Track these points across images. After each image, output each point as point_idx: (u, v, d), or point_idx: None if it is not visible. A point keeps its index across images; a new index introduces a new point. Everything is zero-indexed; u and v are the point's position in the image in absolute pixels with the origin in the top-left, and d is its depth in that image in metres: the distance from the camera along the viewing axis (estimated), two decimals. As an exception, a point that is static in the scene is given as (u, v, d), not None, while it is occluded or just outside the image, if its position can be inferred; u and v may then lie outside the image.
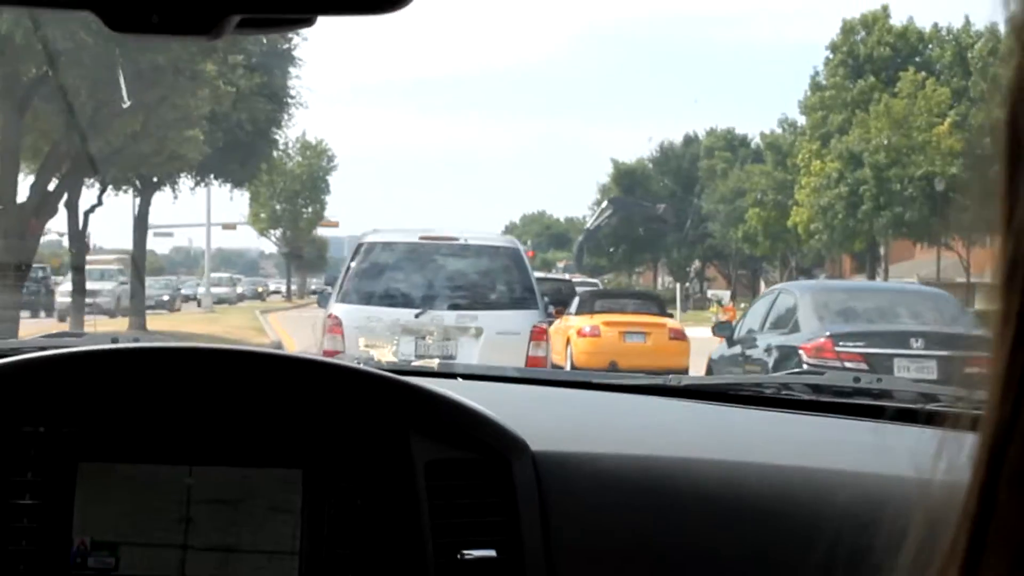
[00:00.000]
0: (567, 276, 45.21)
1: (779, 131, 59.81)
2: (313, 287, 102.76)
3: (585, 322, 21.22)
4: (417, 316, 11.45)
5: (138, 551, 1.75)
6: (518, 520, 1.72)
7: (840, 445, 1.97)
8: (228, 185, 36.09)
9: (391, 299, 11.59)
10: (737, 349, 13.95)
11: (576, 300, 23.12)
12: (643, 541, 1.74)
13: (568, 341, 21.18)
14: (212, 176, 34.38)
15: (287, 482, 1.75)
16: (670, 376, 2.43)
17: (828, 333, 12.47)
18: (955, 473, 0.53)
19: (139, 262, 31.56)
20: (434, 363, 2.50)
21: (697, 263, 79.98)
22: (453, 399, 1.76)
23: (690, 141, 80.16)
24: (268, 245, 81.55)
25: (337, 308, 11.45)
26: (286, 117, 34.16)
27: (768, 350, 13.15)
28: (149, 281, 41.54)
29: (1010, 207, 0.52)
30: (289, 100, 33.14)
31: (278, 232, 74.95)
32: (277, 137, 35.03)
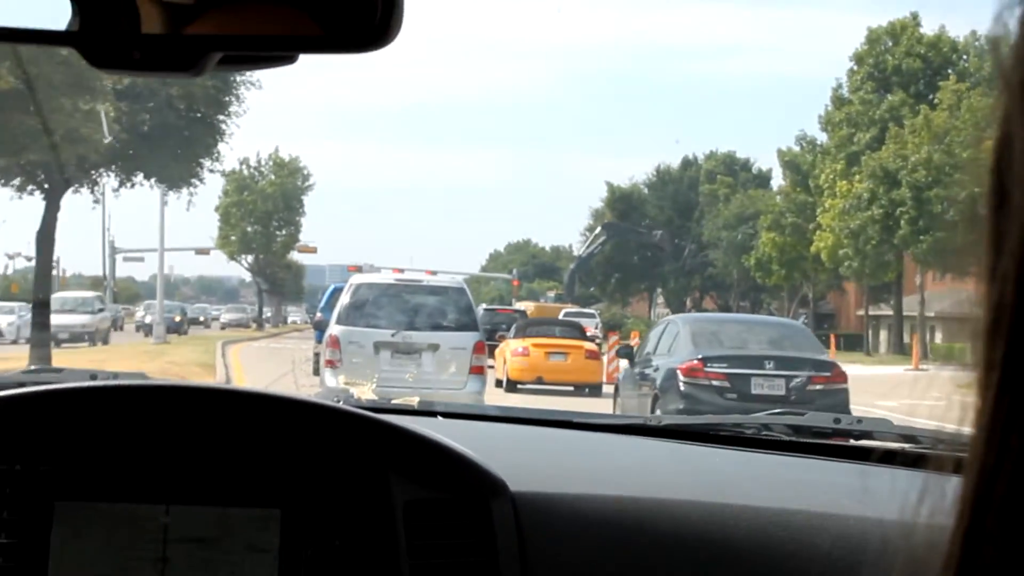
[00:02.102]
0: (523, 308, 47.97)
1: (796, 148, 51.86)
2: (292, 317, 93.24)
3: (519, 344, 25.37)
4: (392, 336, 15.37)
5: None
6: (497, 561, 1.69)
7: (820, 486, 1.92)
8: (162, 187, 27.35)
9: (374, 323, 15.53)
10: (637, 369, 16.05)
11: (514, 326, 27.69)
12: None
13: (505, 360, 25.42)
14: (139, 173, 25.66)
15: (265, 521, 1.72)
16: (650, 416, 2.60)
17: (700, 356, 14.69)
18: (938, 517, 0.52)
19: (44, 283, 23.14)
20: (414, 401, 2.38)
21: (696, 293, 72.38)
22: (432, 439, 1.74)
23: (688, 164, 72.65)
24: (244, 272, 72.71)
25: (335, 329, 15.41)
26: (234, 99, 25.64)
27: (656, 370, 15.18)
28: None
29: (995, 254, 0.51)
30: (236, 77, 24.68)
31: (250, 258, 66.20)
32: (223, 125, 26.38)
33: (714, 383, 14.50)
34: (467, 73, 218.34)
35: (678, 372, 14.61)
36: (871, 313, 57.85)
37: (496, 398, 22.08)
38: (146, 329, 54.46)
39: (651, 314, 75.24)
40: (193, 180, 27.25)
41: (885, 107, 49.80)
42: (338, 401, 2.04)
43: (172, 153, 25.06)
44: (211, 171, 26.82)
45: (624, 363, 17.37)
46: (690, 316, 21.66)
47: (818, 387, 14.64)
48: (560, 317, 44.30)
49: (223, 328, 68.69)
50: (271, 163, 69.14)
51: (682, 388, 14.50)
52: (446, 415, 2.27)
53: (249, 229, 68.12)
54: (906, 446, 2.08)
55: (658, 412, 14.08)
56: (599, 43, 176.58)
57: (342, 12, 1.17)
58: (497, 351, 27.16)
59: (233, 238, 68.39)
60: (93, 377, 2.00)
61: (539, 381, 24.87)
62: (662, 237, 73.25)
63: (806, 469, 2.05)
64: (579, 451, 2.12)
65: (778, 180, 72.43)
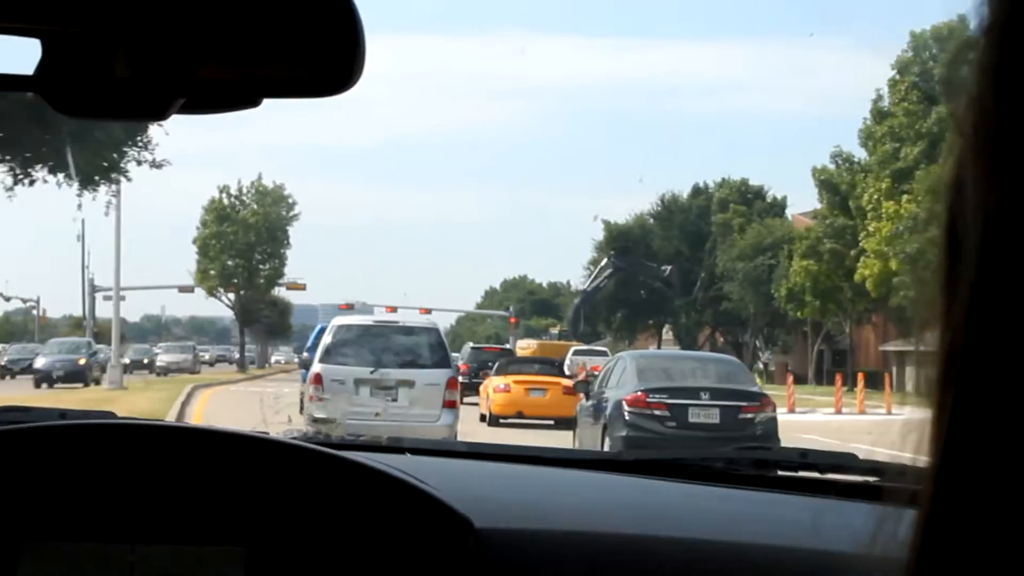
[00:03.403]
0: (507, 346, 47.78)
1: (831, 167, 44.87)
2: (275, 357, 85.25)
3: (501, 380, 27.34)
4: (372, 372, 16.18)
5: None
6: None
7: (786, 521, 1.92)
8: (73, 185, 19.90)
9: (354, 360, 16.42)
10: (591, 402, 17.53)
11: (497, 363, 29.68)
12: None
13: (488, 396, 27.53)
14: (40, 166, 18.17)
15: (230, 559, 1.72)
16: (620, 451, 2.52)
17: (643, 388, 16.11)
18: (893, 552, 0.52)
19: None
20: (382, 438, 2.34)
21: (708, 330, 65.21)
22: (397, 476, 1.75)
23: (698, 192, 65.57)
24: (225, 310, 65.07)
25: (318, 366, 16.47)
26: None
27: (606, 401, 16.53)
28: None
29: (948, 300, 0.51)
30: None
31: (232, 294, 58.67)
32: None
33: (656, 412, 15.88)
34: (461, 112, 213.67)
35: (623, 403, 15.96)
36: (897, 349, 51.13)
37: (479, 431, 23.74)
38: (40, 375, 41.50)
39: (660, 352, 68.04)
40: (114, 175, 19.79)
41: (934, 119, 42.82)
42: (307, 438, 2.05)
43: (82, 138, 17.82)
44: (139, 163, 19.91)
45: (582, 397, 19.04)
46: (637, 352, 24.50)
47: (749, 416, 16.04)
48: (570, 356, 41.79)
49: (159, 374, 57.65)
50: (253, 191, 61.92)
51: (627, 418, 15.86)
52: (414, 451, 2.21)
53: (230, 262, 61.04)
54: (871, 480, 2.00)
55: (607, 440, 15.91)
56: (596, 81, 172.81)
57: (304, 58, 1.20)
58: (481, 387, 29.47)
59: (212, 272, 61.30)
60: (62, 416, 2.00)
61: (519, 415, 26.20)
62: (671, 272, 66.52)
63: (773, 503, 2.03)
64: (547, 487, 2.09)
65: (794, 208, 65.56)
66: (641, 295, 69.50)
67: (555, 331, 69.62)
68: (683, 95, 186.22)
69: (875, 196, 44.22)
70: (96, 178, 19.92)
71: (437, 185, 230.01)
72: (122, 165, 19.82)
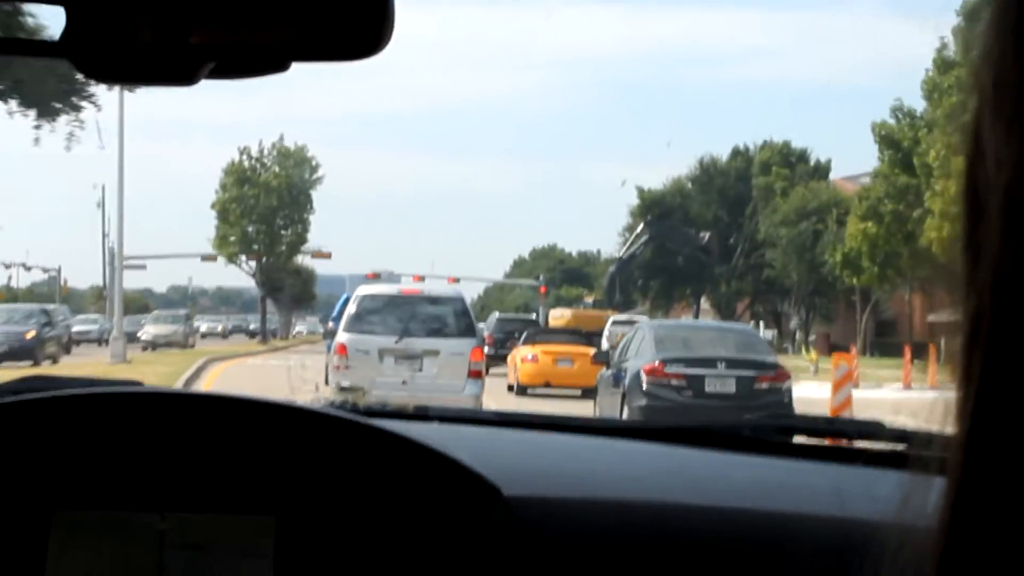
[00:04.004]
0: (533, 316, 48.15)
1: (891, 121, 41.37)
2: (297, 328, 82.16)
3: (528, 351, 27.32)
4: (396, 342, 16.19)
5: None
6: (491, 566, 1.70)
7: (812, 489, 1.92)
8: (30, 113, 16.22)
9: (379, 330, 16.33)
10: (611, 371, 18.13)
11: (524, 333, 29.84)
12: None
13: (516, 366, 27.60)
14: None
15: (260, 528, 1.73)
16: (647, 419, 2.64)
17: (661, 358, 16.56)
18: (922, 520, 0.52)
19: None
20: (410, 406, 2.31)
21: (748, 299, 61.58)
22: (425, 444, 1.74)
23: (737, 154, 61.95)
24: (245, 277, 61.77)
25: (343, 336, 16.48)
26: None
27: (625, 372, 17.08)
28: None
29: (972, 265, 0.50)
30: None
31: (253, 261, 55.44)
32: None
33: (673, 382, 16.27)
34: (491, 80, 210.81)
35: (642, 372, 16.37)
36: (937, 320, 47.26)
37: (507, 401, 23.34)
38: None
39: (697, 321, 64.61)
40: (76, 100, 15.76)
41: (1006, 68, 39.18)
42: (336, 406, 2.02)
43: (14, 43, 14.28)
44: (111, 87, 16.48)
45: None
46: (656, 322, 24.49)
47: (764, 386, 16.41)
48: (609, 326, 39.79)
49: (144, 349, 49.90)
50: (275, 153, 58.55)
51: (645, 387, 16.16)
52: (442, 419, 2.18)
53: (250, 228, 57.68)
54: (898, 447, 2.01)
55: (626, 409, 16.26)
56: (624, 51, 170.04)
57: (333, 21, 1.20)
58: (509, 357, 29.45)
59: (232, 238, 58.04)
60: (90, 384, 1.96)
61: (547, 385, 26.38)
62: (710, 238, 62.98)
63: (800, 472, 2.02)
64: (576, 455, 2.07)
65: (838, 172, 62.07)
66: (678, 262, 66.56)
67: (589, 300, 66.65)
68: (713, 63, 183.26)
69: (942, 152, 40.92)
70: (56, 105, 15.93)
71: (466, 154, 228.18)
72: (85, 89, 16.07)
